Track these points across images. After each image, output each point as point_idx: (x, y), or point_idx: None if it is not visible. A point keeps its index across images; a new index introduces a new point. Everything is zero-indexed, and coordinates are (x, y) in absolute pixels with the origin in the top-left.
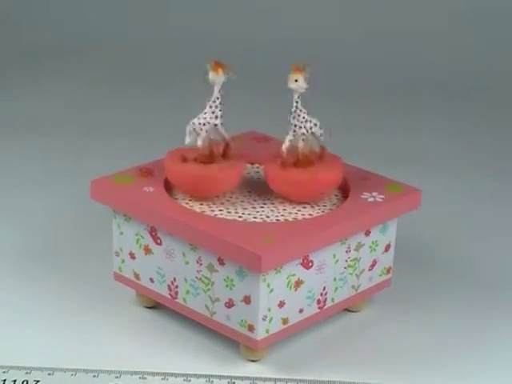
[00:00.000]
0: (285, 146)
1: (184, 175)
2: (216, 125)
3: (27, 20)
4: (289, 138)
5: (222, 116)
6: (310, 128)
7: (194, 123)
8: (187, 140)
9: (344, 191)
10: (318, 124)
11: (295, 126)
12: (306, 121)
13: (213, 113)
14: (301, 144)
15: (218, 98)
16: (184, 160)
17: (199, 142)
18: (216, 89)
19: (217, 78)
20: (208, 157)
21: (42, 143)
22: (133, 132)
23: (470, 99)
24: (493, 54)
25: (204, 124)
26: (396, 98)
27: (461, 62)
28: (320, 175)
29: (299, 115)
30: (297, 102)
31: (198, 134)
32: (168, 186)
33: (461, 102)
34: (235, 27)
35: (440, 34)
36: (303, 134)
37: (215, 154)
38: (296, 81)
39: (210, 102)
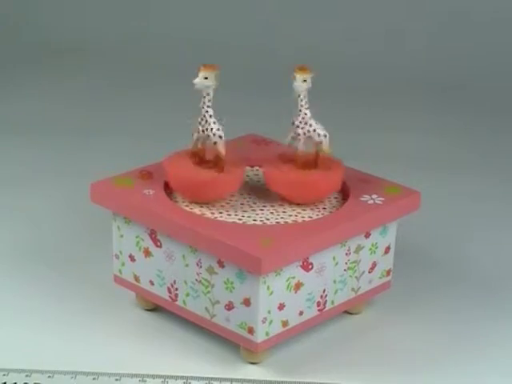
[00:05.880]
0: (287, 139)
1: (184, 179)
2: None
3: (27, 20)
4: (290, 135)
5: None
6: (308, 131)
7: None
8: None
9: (343, 193)
10: (323, 133)
11: (293, 124)
12: (306, 123)
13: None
14: (299, 145)
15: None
16: (185, 163)
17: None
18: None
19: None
20: (210, 161)
21: (41, 144)
22: (133, 133)
23: (469, 99)
24: (493, 54)
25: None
26: (395, 98)
27: (460, 61)
28: (318, 177)
29: (299, 115)
30: (302, 100)
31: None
32: (168, 189)
33: (460, 102)
34: (234, 28)
35: (439, 33)
36: (299, 134)
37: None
38: (305, 81)
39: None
